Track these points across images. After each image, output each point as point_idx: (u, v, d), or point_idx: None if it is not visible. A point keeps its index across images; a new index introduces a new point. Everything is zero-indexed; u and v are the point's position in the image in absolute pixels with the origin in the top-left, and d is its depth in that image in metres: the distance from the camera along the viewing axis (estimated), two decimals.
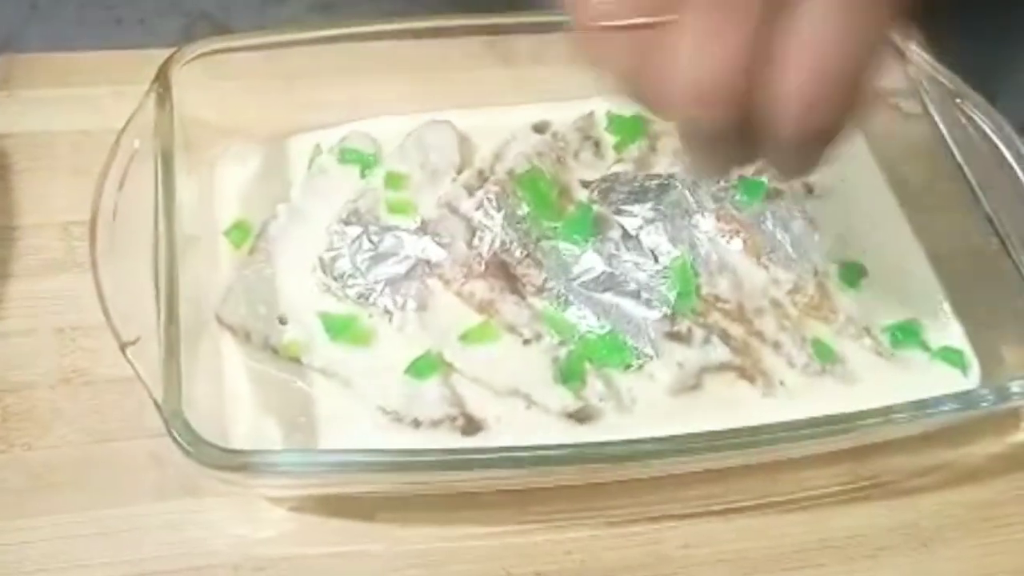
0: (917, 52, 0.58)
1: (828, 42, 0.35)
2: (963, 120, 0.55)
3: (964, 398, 0.49)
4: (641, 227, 0.53)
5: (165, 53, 0.53)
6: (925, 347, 0.53)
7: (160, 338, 0.45)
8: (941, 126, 0.56)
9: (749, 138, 0.37)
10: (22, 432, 0.48)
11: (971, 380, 0.52)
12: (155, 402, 0.43)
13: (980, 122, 0.55)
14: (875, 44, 0.36)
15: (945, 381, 0.51)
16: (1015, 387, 0.47)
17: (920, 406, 0.47)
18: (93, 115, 0.57)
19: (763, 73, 0.35)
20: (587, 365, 0.50)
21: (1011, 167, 0.53)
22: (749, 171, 0.54)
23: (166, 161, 0.49)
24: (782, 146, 0.37)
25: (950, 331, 0.53)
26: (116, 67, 0.60)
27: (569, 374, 0.49)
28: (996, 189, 0.53)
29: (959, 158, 0.55)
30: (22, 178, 0.56)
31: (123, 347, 0.44)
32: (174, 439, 0.42)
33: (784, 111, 0.35)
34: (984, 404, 0.48)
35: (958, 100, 0.56)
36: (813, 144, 0.37)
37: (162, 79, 0.52)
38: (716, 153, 0.39)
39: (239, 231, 0.53)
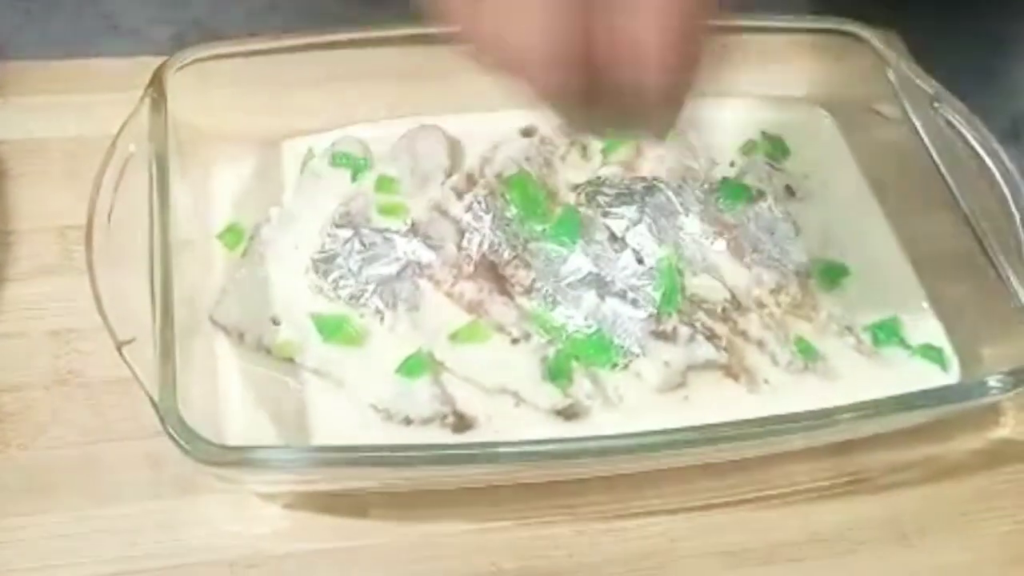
0: (897, 58, 0.59)
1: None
2: (942, 124, 0.57)
3: (943, 393, 0.50)
4: (627, 229, 0.54)
5: (158, 60, 0.54)
6: (905, 344, 0.54)
7: (155, 339, 0.45)
8: (921, 130, 0.57)
9: (603, 97, 0.37)
10: (18, 432, 0.49)
11: (951, 376, 0.53)
12: (151, 400, 0.43)
13: (958, 126, 0.56)
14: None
15: (925, 378, 0.52)
16: (993, 382, 0.48)
17: (901, 401, 0.48)
18: (87, 121, 0.58)
19: (605, 28, 0.35)
20: (575, 364, 0.51)
21: (988, 169, 0.54)
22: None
23: (161, 165, 0.50)
24: (637, 103, 0.37)
25: (930, 329, 0.54)
26: (109, 74, 0.61)
27: (557, 372, 0.50)
28: (974, 191, 0.54)
29: (938, 161, 0.56)
30: (17, 183, 0.57)
31: (119, 347, 0.44)
32: (170, 436, 0.43)
33: (629, 68, 0.36)
34: (963, 399, 0.49)
35: (937, 105, 0.57)
36: (664, 100, 0.38)
37: (156, 84, 0.52)
38: (578, 113, 0.39)
39: (232, 234, 0.54)
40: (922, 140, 0.57)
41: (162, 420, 0.43)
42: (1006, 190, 0.53)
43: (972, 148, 0.55)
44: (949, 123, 0.56)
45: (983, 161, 0.55)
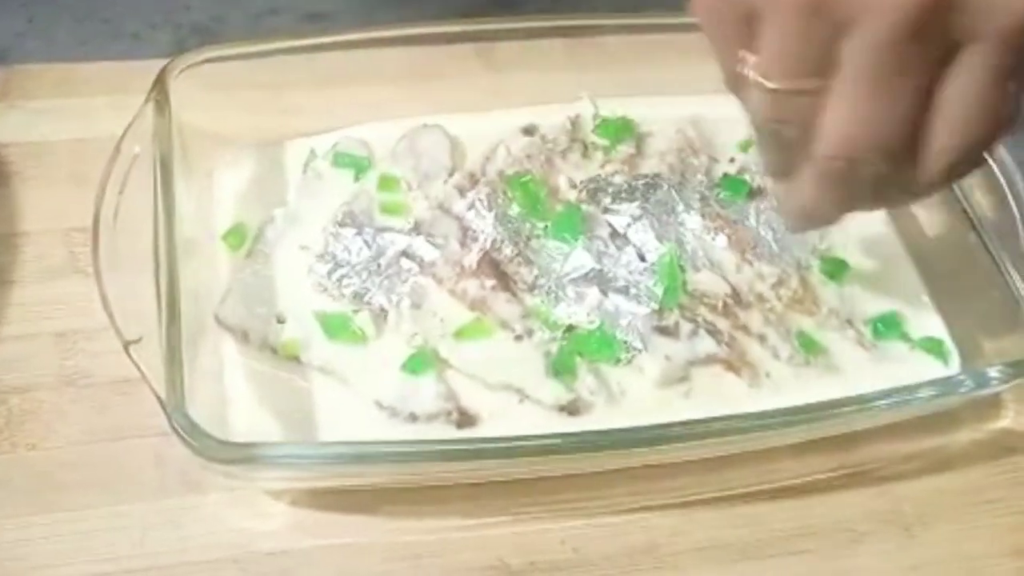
0: None
1: (976, 117, 0.38)
2: None
3: (944, 385, 0.50)
4: (629, 225, 0.55)
5: (160, 64, 0.54)
6: (906, 338, 0.54)
7: (161, 339, 0.46)
8: None
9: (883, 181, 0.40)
10: (27, 432, 0.49)
11: (951, 369, 0.53)
12: (158, 399, 0.44)
13: None
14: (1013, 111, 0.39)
15: (926, 370, 0.52)
16: (993, 373, 0.49)
17: (902, 393, 0.48)
18: (91, 124, 0.59)
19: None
20: (578, 359, 0.51)
21: (987, 163, 0.55)
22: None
23: (165, 167, 0.50)
24: (909, 190, 0.41)
25: (930, 322, 0.55)
26: (113, 78, 0.61)
27: (560, 368, 0.51)
28: (971, 184, 0.55)
29: None
30: (23, 186, 0.57)
31: (126, 346, 0.45)
32: (177, 434, 0.43)
33: (927, 168, 0.39)
34: (963, 390, 0.50)
35: None
36: (935, 189, 0.41)
37: (160, 87, 0.53)
38: (848, 196, 0.42)
39: (236, 234, 0.54)
40: None
41: (169, 418, 0.44)
42: (1003, 182, 0.54)
43: None
44: None
45: None
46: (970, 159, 0.40)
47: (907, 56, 0.37)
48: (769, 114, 0.40)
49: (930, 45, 0.37)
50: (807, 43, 0.37)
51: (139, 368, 0.44)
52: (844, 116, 0.38)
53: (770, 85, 0.38)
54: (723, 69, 0.40)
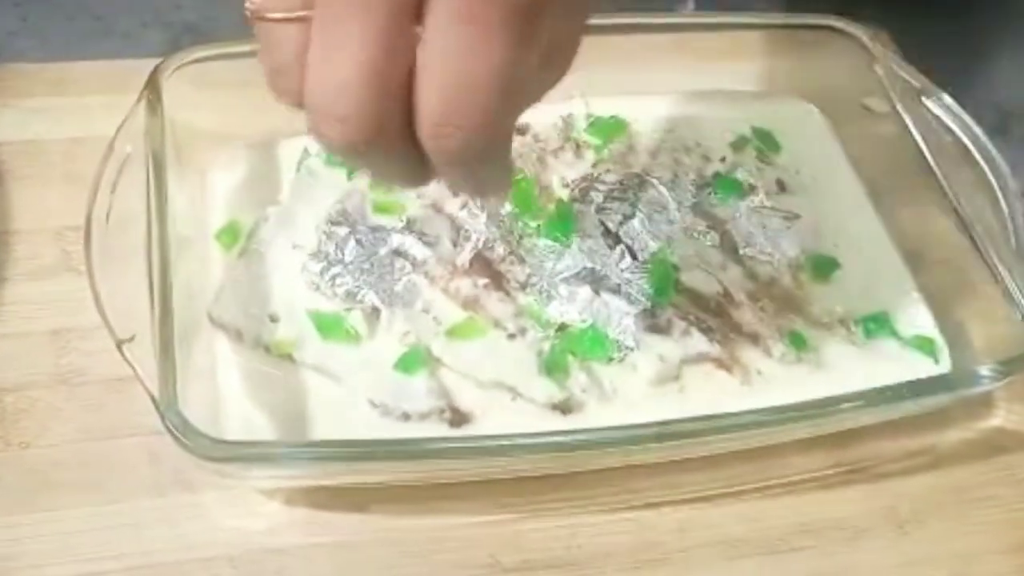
0: (884, 52, 0.60)
1: (454, 58, 0.32)
2: (929, 117, 0.57)
3: (935, 383, 0.51)
4: (621, 224, 0.55)
5: (153, 62, 0.54)
6: (897, 336, 0.54)
7: (154, 337, 0.45)
8: (909, 124, 0.58)
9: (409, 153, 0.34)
10: (20, 431, 0.49)
11: (942, 367, 0.53)
12: (151, 397, 0.44)
13: (946, 119, 0.57)
14: (511, 63, 0.33)
15: (917, 368, 0.53)
16: (984, 372, 0.49)
17: (893, 392, 0.48)
18: (84, 124, 0.58)
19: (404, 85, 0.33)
20: (570, 358, 0.51)
21: (976, 161, 0.55)
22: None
23: (158, 165, 0.50)
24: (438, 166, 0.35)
25: (920, 320, 0.55)
26: (106, 77, 0.61)
27: (553, 367, 0.51)
28: (962, 183, 0.55)
29: (926, 154, 0.56)
30: (16, 185, 0.57)
31: (119, 344, 0.45)
32: (170, 432, 0.43)
33: (419, 130, 0.33)
34: (955, 389, 0.50)
35: (924, 99, 0.58)
36: (457, 167, 0.35)
37: (152, 86, 0.53)
38: (379, 167, 0.37)
39: (229, 233, 0.54)
40: (910, 134, 0.57)
41: (162, 417, 0.43)
42: (994, 181, 0.54)
43: (960, 141, 0.56)
44: (937, 117, 0.57)
45: (971, 153, 0.56)
46: (460, 121, 0.33)
47: None
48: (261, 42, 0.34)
49: None
50: None
51: (132, 367, 0.44)
52: (311, 51, 0.32)
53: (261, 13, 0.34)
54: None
